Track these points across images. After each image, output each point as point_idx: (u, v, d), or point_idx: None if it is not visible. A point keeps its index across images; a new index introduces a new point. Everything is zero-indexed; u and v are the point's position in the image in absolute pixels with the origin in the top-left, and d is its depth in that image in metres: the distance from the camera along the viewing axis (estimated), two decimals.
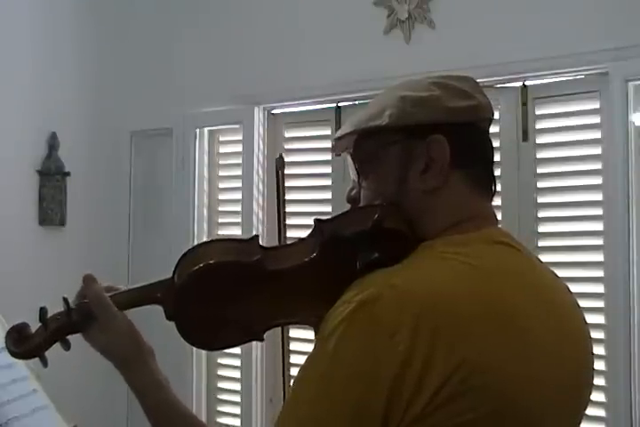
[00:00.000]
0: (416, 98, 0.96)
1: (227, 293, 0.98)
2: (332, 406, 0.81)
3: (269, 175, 2.90)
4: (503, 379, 0.82)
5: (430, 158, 0.94)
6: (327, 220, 0.99)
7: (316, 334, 0.93)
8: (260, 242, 1.01)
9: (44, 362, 1.08)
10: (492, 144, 1.02)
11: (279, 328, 2.43)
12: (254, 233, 2.83)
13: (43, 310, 1.06)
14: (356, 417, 0.80)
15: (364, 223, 0.94)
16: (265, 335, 1.02)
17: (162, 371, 1.10)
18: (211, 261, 0.97)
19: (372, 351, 0.80)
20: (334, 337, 0.82)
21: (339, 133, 1.03)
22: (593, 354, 1.01)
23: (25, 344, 1.06)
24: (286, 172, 2.86)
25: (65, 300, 1.06)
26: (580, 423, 0.98)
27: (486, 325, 0.83)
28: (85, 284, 1.07)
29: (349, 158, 1.02)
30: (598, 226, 2.19)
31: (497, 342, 0.83)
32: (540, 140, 2.32)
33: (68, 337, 1.08)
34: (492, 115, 1.01)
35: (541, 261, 1.02)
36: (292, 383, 0.88)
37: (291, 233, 2.80)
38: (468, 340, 0.81)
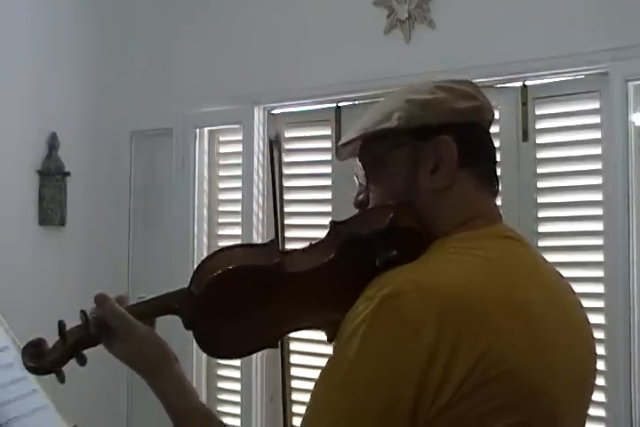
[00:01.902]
0: (422, 101, 0.98)
1: (246, 298, 0.97)
2: (362, 403, 0.82)
3: (269, 175, 2.90)
4: (523, 369, 0.84)
5: (439, 158, 0.97)
6: (343, 221, 1.01)
7: (329, 338, 0.95)
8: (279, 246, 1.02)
9: (62, 378, 1.05)
10: (493, 143, 1.04)
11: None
12: (254, 233, 2.85)
13: (61, 324, 1.04)
14: (386, 413, 0.81)
15: (381, 223, 0.95)
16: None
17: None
18: (230, 267, 0.97)
19: (398, 346, 0.81)
20: (358, 334, 0.83)
21: (345, 140, 1.05)
22: (596, 354, 1.02)
23: (43, 359, 1.05)
24: (286, 172, 2.87)
25: (82, 312, 1.04)
26: (585, 423, 0.99)
27: (506, 316, 0.85)
28: (98, 303, 1.05)
29: (357, 163, 1.05)
30: (598, 226, 2.19)
31: (516, 333, 0.85)
32: (540, 140, 2.32)
33: (84, 352, 1.06)
34: (493, 116, 1.05)
35: (545, 259, 1.04)
36: (314, 385, 0.88)
37: (290, 233, 2.81)
38: (489, 331, 0.83)
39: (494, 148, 1.04)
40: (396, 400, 0.80)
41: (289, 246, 2.73)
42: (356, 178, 1.06)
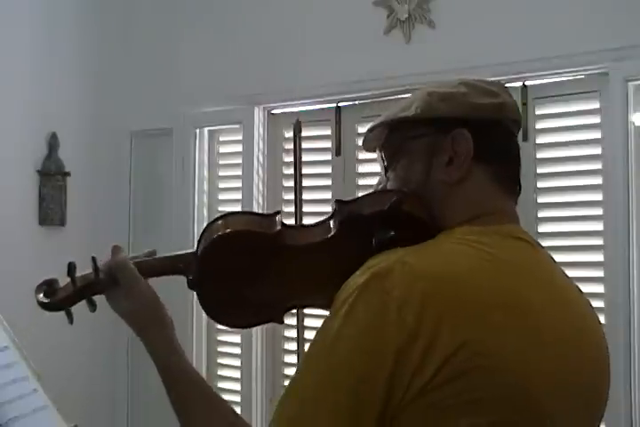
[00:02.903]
0: (442, 93, 1.00)
1: (245, 264, 1.00)
2: (336, 374, 0.83)
3: (269, 175, 2.90)
4: (506, 367, 0.83)
5: (454, 152, 0.97)
6: (347, 201, 1.02)
7: None
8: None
9: (71, 317, 1.11)
10: (518, 146, 1.04)
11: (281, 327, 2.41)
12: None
13: (71, 265, 1.09)
14: (360, 386, 0.81)
15: (383, 204, 0.97)
16: (274, 326, 1.04)
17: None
18: (230, 230, 1.01)
19: (380, 322, 0.82)
20: (344, 308, 0.85)
21: (370, 126, 1.07)
22: (608, 357, 1.01)
23: (54, 296, 1.10)
24: (286, 172, 2.87)
25: (93, 259, 1.09)
26: (598, 426, 0.98)
27: (498, 310, 0.84)
28: (112, 252, 1.10)
29: (378, 151, 1.07)
30: (598, 226, 2.19)
31: (507, 329, 0.84)
32: (540, 140, 2.32)
33: (94, 298, 1.11)
34: (519, 117, 1.04)
35: (555, 263, 1.04)
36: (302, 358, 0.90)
37: None
38: (472, 322, 0.82)
39: (518, 151, 1.03)
40: (371, 375, 0.81)
41: None
42: (379, 166, 1.09)
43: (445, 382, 0.80)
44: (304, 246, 1.00)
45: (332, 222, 1.01)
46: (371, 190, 1.08)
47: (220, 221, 1.04)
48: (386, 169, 1.05)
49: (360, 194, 1.08)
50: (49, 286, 1.12)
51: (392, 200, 0.96)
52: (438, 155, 0.98)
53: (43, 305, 1.10)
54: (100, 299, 1.12)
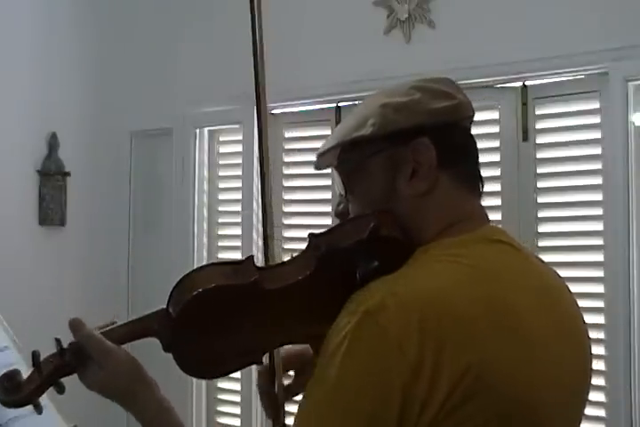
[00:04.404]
0: (397, 104, 0.95)
1: (225, 317, 0.95)
2: (345, 419, 0.80)
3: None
4: (508, 380, 0.82)
5: (417, 163, 0.93)
6: (321, 233, 0.97)
7: (315, 352, 0.92)
8: (255, 262, 0.98)
9: (39, 410, 1.03)
10: (475, 142, 1.01)
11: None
12: (254, 233, 2.85)
13: (35, 354, 1.00)
14: None
15: (361, 233, 0.92)
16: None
17: (168, 399, 1.05)
18: (206, 287, 0.94)
19: (381, 363, 0.80)
20: (341, 351, 0.82)
21: (322, 149, 1.02)
22: (592, 354, 1.01)
23: (18, 393, 1.00)
24: (286, 172, 2.87)
25: (57, 340, 1.00)
26: (580, 423, 0.98)
27: (489, 326, 0.83)
28: (72, 330, 1.01)
29: (335, 173, 1.01)
30: (598, 226, 2.19)
31: (500, 344, 0.83)
32: (540, 140, 2.32)
33: (62, 380, 1.02)
34: (473, 113, 1.00)
35: (538, 258, 1.02)
36: (300, 402, 0.87)
37: (290, 233, 2.81)
38: (472, 343, 0.81)
39: (476, 147, 1.00)
40: (380, 415, 0.79)
41: (288, 246, 2.73)
42: (336, 187, 1.03)
43: (456, 408, 0.79)
44: (283, 289, 0.93)
45: (309, 258, 0.95)
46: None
47: (191, 278, 0.96)
48: (345, 190, 1.00)
49: None
50: (10, 381, 1.00)
51: (370, 227, 0.91)
52: (400, 169, 0.94)
53: (7, 405, 1.01)
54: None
